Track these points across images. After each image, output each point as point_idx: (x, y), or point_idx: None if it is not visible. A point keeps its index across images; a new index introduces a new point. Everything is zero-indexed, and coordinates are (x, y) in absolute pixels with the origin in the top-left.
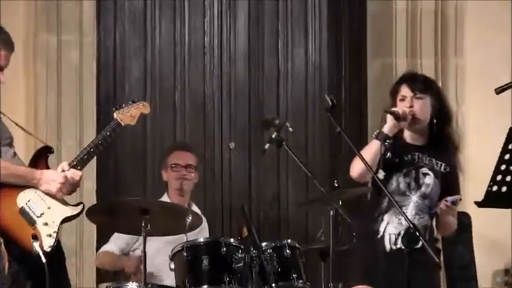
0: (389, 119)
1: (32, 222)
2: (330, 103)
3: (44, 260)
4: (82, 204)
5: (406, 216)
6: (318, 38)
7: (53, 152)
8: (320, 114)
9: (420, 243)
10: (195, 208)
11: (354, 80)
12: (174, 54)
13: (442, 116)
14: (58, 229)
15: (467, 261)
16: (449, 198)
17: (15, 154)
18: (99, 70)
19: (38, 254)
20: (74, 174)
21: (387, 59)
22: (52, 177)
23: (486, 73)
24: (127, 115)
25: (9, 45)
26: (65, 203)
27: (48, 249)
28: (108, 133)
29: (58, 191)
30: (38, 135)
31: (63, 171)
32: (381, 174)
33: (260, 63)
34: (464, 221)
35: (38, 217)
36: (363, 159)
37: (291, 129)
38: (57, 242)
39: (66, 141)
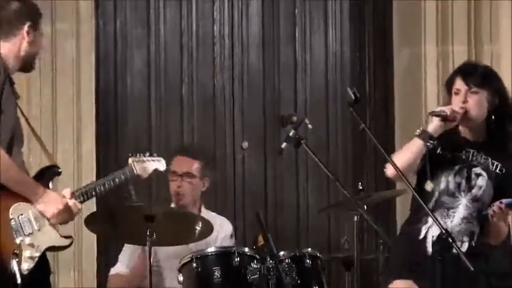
0: (435, 118)
1: (18, 238)
2: (353, 97)
3: (19, 280)
4: (71, 239)
5: (437, 220)
6: (338, 24)
7: (59, 174)
8: (342, 110)
9: (456, 249)
10: (205, 215)
11: (379, 71)
12: (180, 44)
13: (501, 112)
14: (40, 255)
15: (506, 268)
16: (504, 201)
17: (23, 161)
18: (98, 61)
19: (14, 272)
20: (74, 205)
21: (416, 47)
22: (53, 200)
23: None
24: (142, 165)
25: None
26: (56, 231)
27: (25, 272)
28: (121, 176)
29: (53, 217)
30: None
31: (64, 197)
32: (429, 186)
33: (275, 53)
34: None
35: (25, 235)
36: (392, 162)
37: (310, 126)
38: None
39: (63, 143)
